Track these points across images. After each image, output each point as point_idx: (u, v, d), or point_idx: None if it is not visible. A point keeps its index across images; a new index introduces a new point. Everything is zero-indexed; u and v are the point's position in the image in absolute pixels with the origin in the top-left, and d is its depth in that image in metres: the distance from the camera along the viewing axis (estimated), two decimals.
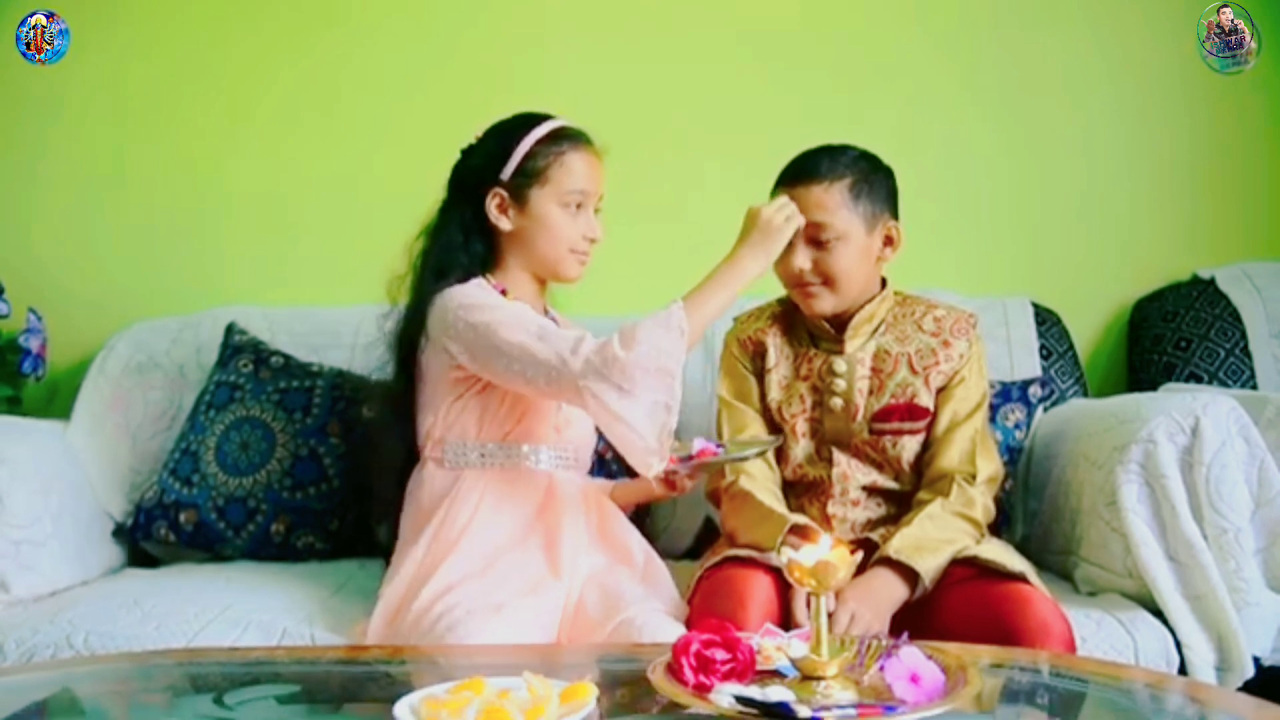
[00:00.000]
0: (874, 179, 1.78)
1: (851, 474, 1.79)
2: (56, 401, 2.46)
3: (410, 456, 1.85)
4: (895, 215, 1.81)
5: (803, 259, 1.75)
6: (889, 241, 1.80)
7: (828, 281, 1.76)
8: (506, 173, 1.79)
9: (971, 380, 1.80)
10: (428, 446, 1.82)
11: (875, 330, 1.82)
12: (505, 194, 1.80)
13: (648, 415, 1.59)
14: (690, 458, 1.75)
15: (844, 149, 1.80)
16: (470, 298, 1.75)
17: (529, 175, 1.79)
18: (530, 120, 1.83)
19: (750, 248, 1.72)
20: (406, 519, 1.82)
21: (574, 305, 2.04)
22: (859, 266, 1.77)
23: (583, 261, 1.85)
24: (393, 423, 1.86)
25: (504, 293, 1.82)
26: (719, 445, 1.78)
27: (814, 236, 1.75)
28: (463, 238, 1.82)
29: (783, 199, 1.75)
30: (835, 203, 1.74)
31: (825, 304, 1.79)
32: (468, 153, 1.86)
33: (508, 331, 1.68)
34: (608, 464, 2.11)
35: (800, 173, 1.78)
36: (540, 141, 1.80)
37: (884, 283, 1.85)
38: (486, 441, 1.78)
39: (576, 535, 1.74)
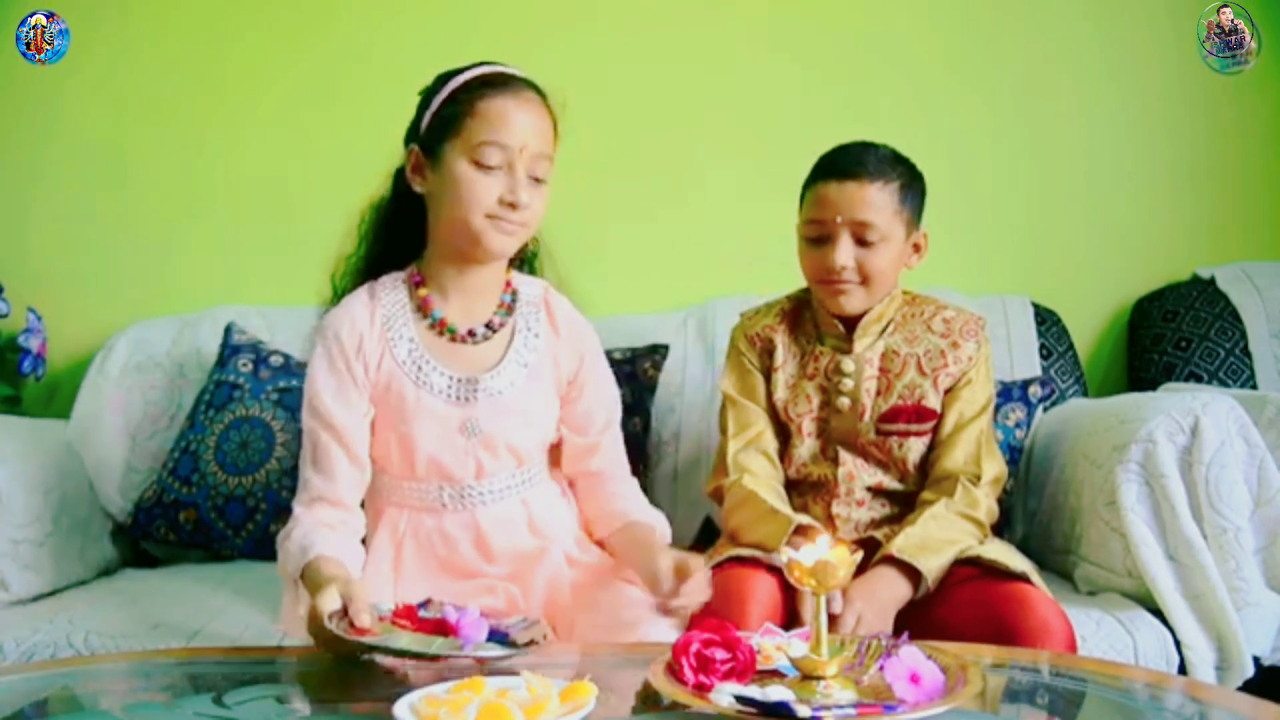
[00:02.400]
0: (916, 185, 1.77)
1: (857, 474, 1.78)
2: (56, 401, 2.46)
3: None
4: (920, 223, 1.80)
5: (846, 255, 1.73)
6: (917, 248, 1.80)
7: (865, 280, 1.74)
8: (423, 126, 1.56)
9: (978, 382, 1.80)
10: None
11: (884, 330, 1.81)
12: (419, 150, 1.57)
13: (289, 583, 1.51)
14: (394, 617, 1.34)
15: (880, 147, 1.77)
16: (318, 356, 1.58)
17: (442, 127, 1.54)
18: (462, 68, 1.58)
19: (303, 621, 1.39)
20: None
21: (581, 305, 2.02)
22: (893, 270, 1.76)
23: (506, 231, 1.54)
24: None
25: (419, 284, 1.61)
26: (499, 633, 1.32)
27: (861, 235, 1.72)
28: (394, 211, 1.63)
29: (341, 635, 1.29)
30: (885, 203, 1.72)
31: (855, 302, 1.77)
32: None
33: (307, 414, 1.57)
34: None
35: (854, 169, 1.73)
36: (460, 88, 1.54)
37: None
38: (400, 480, 1.61)
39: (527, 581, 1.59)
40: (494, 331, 1.62)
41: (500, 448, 1.60)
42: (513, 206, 1.52)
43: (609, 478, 1.71)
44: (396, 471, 1.61)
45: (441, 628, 1.29)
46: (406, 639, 1.26)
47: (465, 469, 1.59)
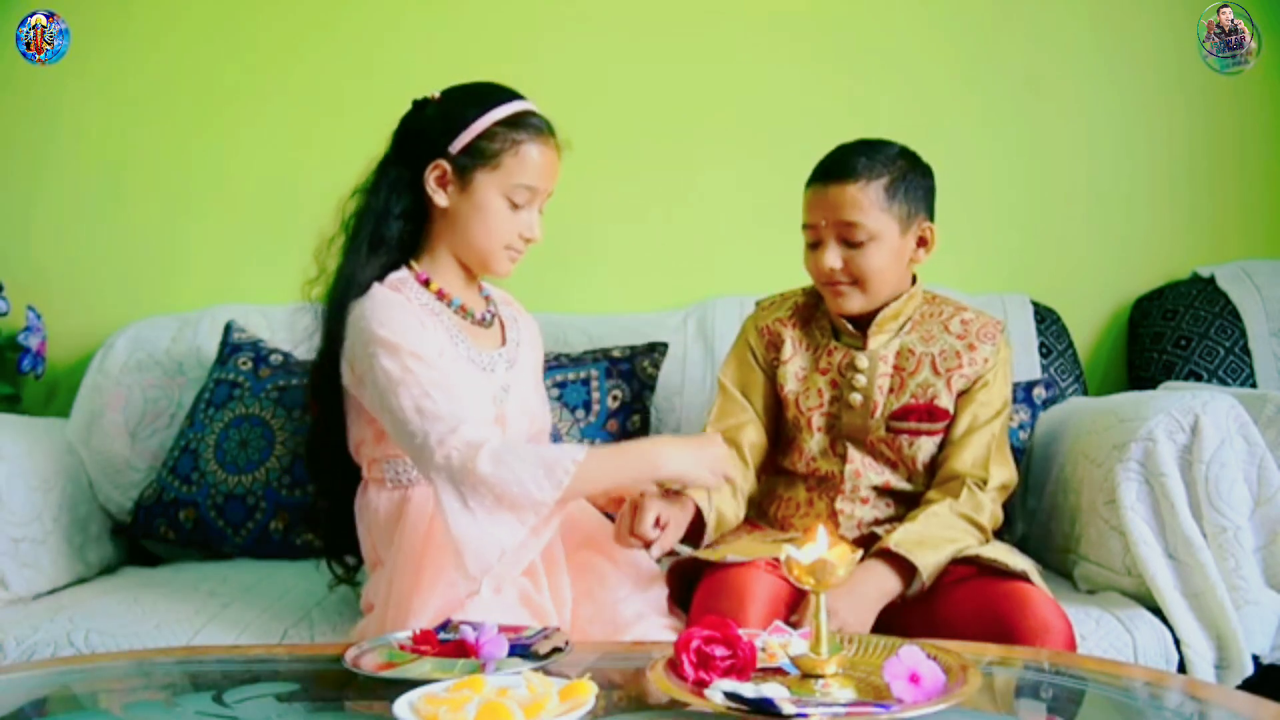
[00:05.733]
0: (911, 178, 1.75)
1: (864, 472, 1.78)
2: (56, 399, 2.47)
3: (350, 473, 1.72)
4: (931, 216, 1.78)
5: (833, 258, 1.72)
6: (923, 242, 1.78)
7: (858, 281, 1.74)
8: (456, 146, 1.65)
9: (995, 385, 1.78)
10: (365, 466, 1.70)
11: (901, 328, 1.80)
12: (449, 168, 1.66)
13: (476, 542, 1.46)
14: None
15: (883, 145, 1.76)
16: (385, 324, 1.59)
17: (479, 155, 1.65)
18: (496, 95, 1.69)
19: (678, 449, 1.60)
20: (365, 542, 1.71)
21: (582, 304, 2.02)
22: (891, 268, 1.75)
23: (514, 259, 1.71)
24: (326, 436, 1.71)
25: (426, 283, 1.69)
26: (519, 645, 1.33)
27: (847, 236, 1.72)
28: (397, 206, 1.69)
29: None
30: (869, 202, 1.71)
31: (853, 303, 1.76)
32: (420, 106, 1.72)
33: (399, 391, 1.55)
34: None
35: (835, 170, 1.74)
36: (501, 122, 1.66)
37: (913, 279, 1.82)
38: None
39: (551, 557, 1.62)
40: (492, 317, 1.79)
41: (522, 413, 1.73)
42: (529, 241, 1.71)
43: None
44: None
45: (462, 649, 1.29)
46: (429, 665, 1.26)
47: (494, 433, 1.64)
